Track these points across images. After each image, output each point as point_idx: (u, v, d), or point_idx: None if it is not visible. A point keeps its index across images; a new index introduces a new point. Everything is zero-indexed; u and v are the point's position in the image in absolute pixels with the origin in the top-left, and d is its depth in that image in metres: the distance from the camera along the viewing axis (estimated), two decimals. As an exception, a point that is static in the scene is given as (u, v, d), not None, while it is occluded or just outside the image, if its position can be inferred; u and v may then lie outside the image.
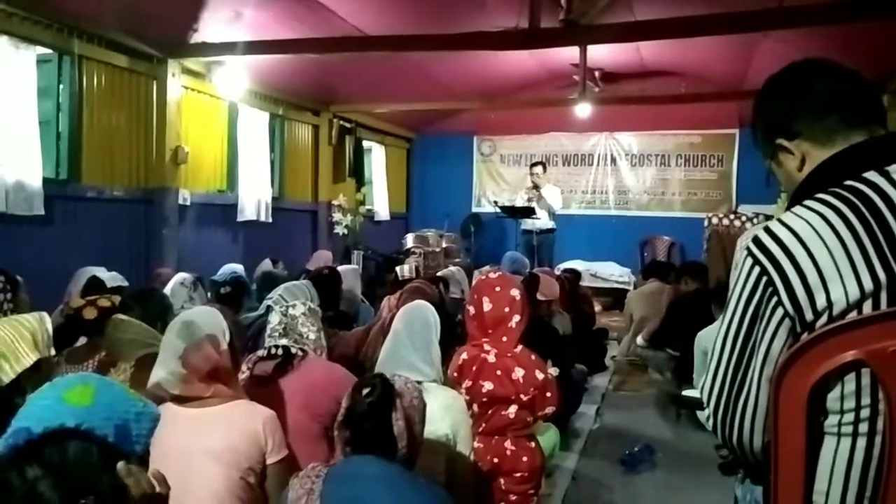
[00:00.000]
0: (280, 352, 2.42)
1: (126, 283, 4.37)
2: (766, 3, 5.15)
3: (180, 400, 1.99)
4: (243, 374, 2.40)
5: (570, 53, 7.55)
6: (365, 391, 1.76)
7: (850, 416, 1.10)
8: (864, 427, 1.09)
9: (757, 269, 1.15)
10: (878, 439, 1.08)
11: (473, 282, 3.19)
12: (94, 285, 3.91)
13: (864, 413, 1.08)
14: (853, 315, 1.07)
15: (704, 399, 1.26)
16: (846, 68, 1.27)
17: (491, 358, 2.72)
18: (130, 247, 5.86)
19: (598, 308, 8.90)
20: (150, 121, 6.00)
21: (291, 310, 2.53)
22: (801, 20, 5.04)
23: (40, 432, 1.02)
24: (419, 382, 2.31)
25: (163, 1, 5.35)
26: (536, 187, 8.31)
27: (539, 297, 4.66)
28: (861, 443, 1.09)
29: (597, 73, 8.87)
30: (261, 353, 2.46)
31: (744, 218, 8.01)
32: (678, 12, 5.35)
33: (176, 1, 5.45)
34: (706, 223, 8.38)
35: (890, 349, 1.05)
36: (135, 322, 2.59)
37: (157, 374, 2.02)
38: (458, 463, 2.31)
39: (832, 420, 1.12)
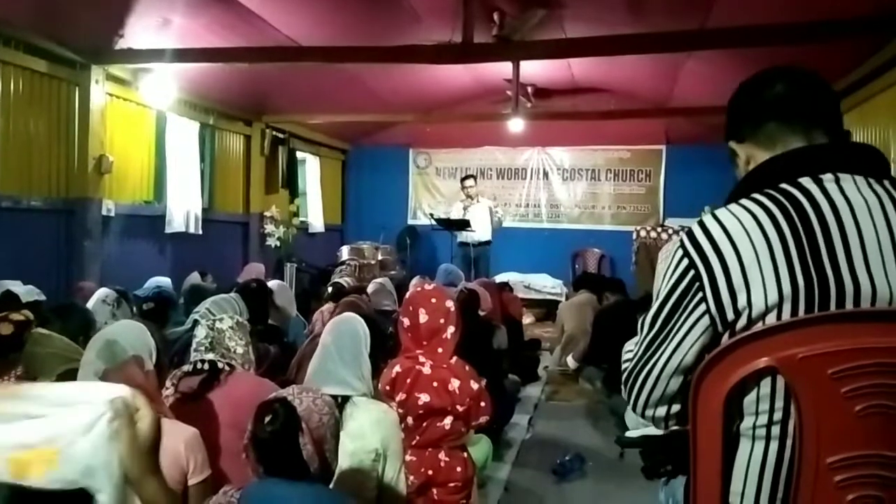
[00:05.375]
0: (206, 367, 2.35)
1: (43, 298, 4.18)
2: (688, 25, 5.37)
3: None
4: (167, 391, 2.33)
5: (503, 69, 7.67)
6: (266, 419, 1.71)
7: (763, 419, 1.14)
8: (776, 430, 1.14)
9: (686, 262, 1.20)
10: (788, 442, 1.13)
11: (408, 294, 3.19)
12: (8, 300, 3.72)
13: (777, 416, 1.13)
14: (771, 317, 1.12)
15: (623, 366, 1.33)
16: (805, 73, 1.29)
17: (426, 370, 2.71)
18: (50, 260, 5.61)
19: (531, 319, 9.05)
20: (71, 129, 5.77)
21: (218, 323, 2.46)
22: (721, 42, 5.27)
23: None
24: (347, 397, 2.29)
25: (86, 5, 5.17)
26: (470, 197, 8.42)
27: (481, 312, 4.70)
28: (773, 446, 1.14)
29: (529, 89, 9.03)
30: (186, 368, 2.39)
31: (670, 231, 8.28)
32: (607, 31, 5.52)
33: (100, 6, 5.27)
34: (634, 236, 8.63)
35: (799, 356, 1.10)
36: (56, 336, 2.48)
37: None
38: (389, 478, 2.30)
39: (747, 422, 1.16)
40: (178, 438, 1.94)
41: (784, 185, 1.18)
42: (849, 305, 1.11)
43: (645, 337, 1.26)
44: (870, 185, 1.17)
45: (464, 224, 8.11)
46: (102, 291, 3.99)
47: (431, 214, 9.08)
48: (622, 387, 1.33)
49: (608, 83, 9.07)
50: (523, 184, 10.67)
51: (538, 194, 10.63)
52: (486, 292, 5.14)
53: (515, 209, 10.66)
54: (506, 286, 6.95)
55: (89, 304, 3.81)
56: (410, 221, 10.94)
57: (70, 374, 2.13)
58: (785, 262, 1.12)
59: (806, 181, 1.18)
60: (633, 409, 1.30)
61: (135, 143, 6.66)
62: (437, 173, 11.06)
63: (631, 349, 1.32)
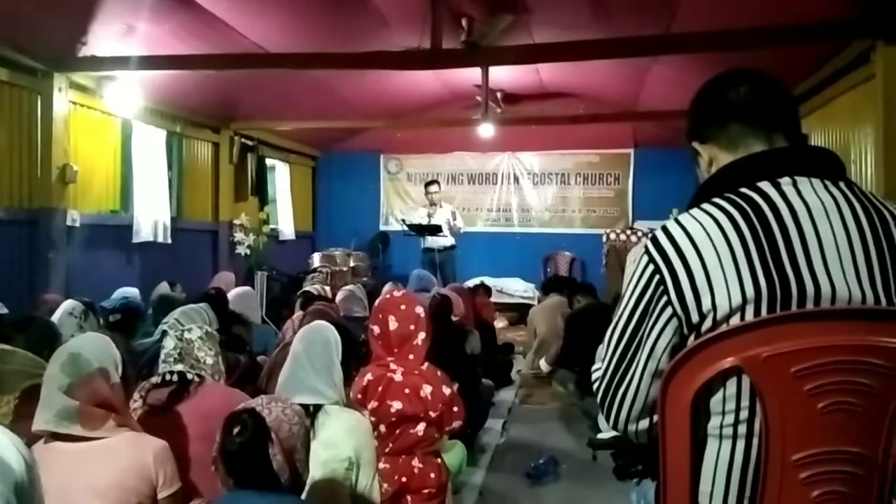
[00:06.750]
0: (175, 378, 2.31)
1: (6, 311, 4.08)
2: (654, 30, 5.45)
3: (60, 435, 1.85)
4: (136, 403, 2.29)
5: (472, 75, 7.70)
6: (235, 430, 1.69)
7: (730, 418, 1.16)
8: (742, 429, 1.15)
9: (651, 267, 1.21)
10: (755, 441, 1.14)
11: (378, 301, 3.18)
12: (-31, 314, 3.63)
13: (743, 415, 1.15)
14: (735, 319, 1.14)
15: (594, 386, 1.32)
16: (766, 78, 1.32)
17: (398, 377, 2.71)
18: (12, 272, 5.48)
19: (504, 323, 9.08)
20: (34, 138, 5.66)
21: (187, 334, 2.43)
22: (685, 47, 5.35)
23: None
24: (319, 406, 2.27)
25: (47, 12, 5.07)
26: (434, 204, 8.42)
27: (453, 317, 4.70)
28: (740, 444, 1.16)
29: (499, 95, 9.08)
30: (154, 379, 2.35)
31: (639, 233, 8.39)
32: (573, 36, 5.57)
33: (62, 12, 5.18)
34: (604, 239, 8.74)
35: (763, 355, 1.12)
36: (19, 352, 2.42)
37: (43, 416, 1.85)
38: (363, 487, 2.29)
39: (714, 422, 1.18)
40: (147, 451, 1.91)
41: (744, 189, 1.21)
42: (809, 306, 1.13)
43: (615, 350, 1.26)
44: (826, 188, 1.20)
45: (436, 229, 8.10)
46: (69, 303, 3.91)
47: (403, 220, 9.06)
48: (598, 407, 1.31)
49: (576, 88, 9.16)
50: (494, 188, 10.72)
51: (509, 199, 10.69)
52: (459, 297, 5.15)
53: (487, 214, 10.71)
54: (480, 288, 6.95)
55: (55, 317, 3.72)
56: (382, 227, 10.92)
57: (34, 390, 2.07)
58: (747, 265, 1.14)
59: (765, 185, 1.21)
60: (615, 427, 1.29)
61: (100, 152, 6.55)
62: (408, 179, 11.06)
63: (599, 367, 1.31)
